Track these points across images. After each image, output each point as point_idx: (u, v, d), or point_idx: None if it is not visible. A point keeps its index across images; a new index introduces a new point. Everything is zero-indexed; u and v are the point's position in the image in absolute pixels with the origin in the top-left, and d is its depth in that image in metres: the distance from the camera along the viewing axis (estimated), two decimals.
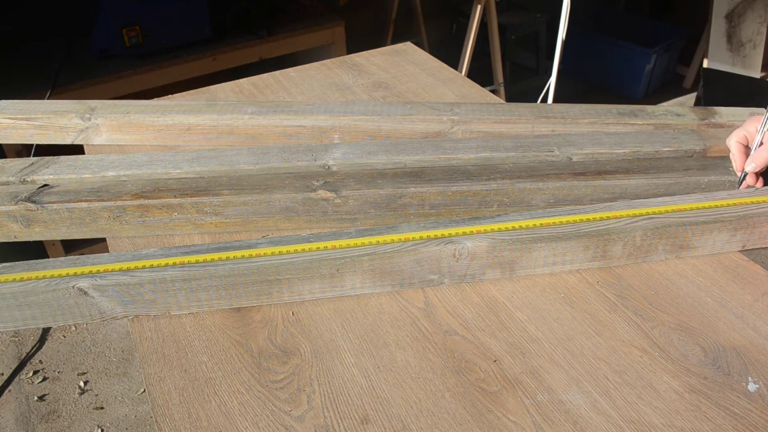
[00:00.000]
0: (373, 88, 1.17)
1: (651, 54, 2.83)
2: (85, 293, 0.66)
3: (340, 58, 1.29)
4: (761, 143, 0.78)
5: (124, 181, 0.83)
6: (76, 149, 0.98)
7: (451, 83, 1.18)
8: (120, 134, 0.98)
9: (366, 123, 0.95)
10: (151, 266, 0.67)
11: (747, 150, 0.80)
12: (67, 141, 0.99)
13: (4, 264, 0.69)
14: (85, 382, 1.71)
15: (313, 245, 0.69)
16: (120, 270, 0.67)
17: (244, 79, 1.22)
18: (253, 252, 0.69)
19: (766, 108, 0.78)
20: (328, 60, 1.29)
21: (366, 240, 0.70)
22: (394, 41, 2.23)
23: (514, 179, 0.80)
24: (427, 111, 0.96)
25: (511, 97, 2.67)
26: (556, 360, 0.63)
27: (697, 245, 0.74)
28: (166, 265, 0.67)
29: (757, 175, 0.79)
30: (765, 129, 0.77)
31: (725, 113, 0.97)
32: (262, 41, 1.99)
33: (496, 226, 0.71)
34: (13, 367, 1.75)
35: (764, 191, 0.77)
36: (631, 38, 2.89)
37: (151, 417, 0.65)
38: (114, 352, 1.80)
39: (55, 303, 0.66)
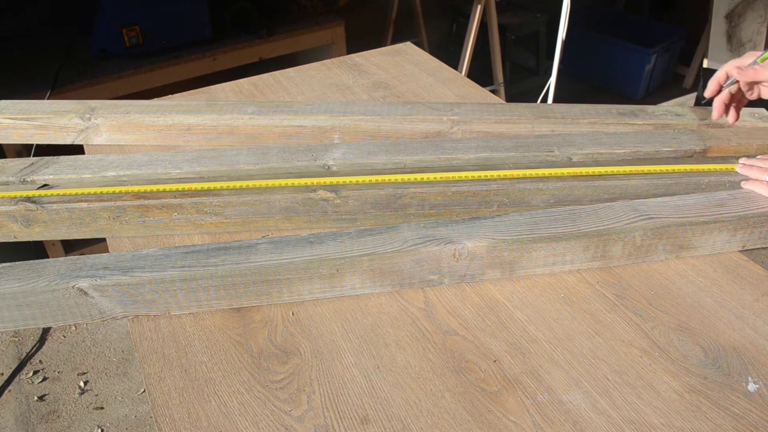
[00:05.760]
0: (373, 88, 1.17)
1: (651, 54, 2.83)
2: (85, 293, 0.66)
3: (340, 58, 1.29)
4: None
5: (124, 181, 0.83)
6: (76, 149, 0.99)
7: (451, 83, 1.18)
8: (120, 134, 0.98)
9: (366, 123, 0.95)
10: (151, 266, 0.67)
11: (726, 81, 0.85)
12: (67, 141, 0.99)
13: (4, 264, 0.69)
14: (85, 382, 1.71)
15: (313, 245, 0.69)
16: (120, 270, 0.67)
17: (244, 79, 1.22)
18: (253, 252, 0.69)
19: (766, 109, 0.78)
20: (328, 60, 1.29)
21: (366, 240, 0.70)
22: (394, 41, 2.23)
23: (514, 179, 0.80)
24: (427, 111, 0.96)
25: (511, 97, 2.67)
26: (556, 360, 0.63)
27: (697, 245, 0.74)
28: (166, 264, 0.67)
29: (735, 107, 0.86)
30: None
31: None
32: (262, 41, 1.99)
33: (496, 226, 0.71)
34: (13, 367, 1.75)
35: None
36: (631, 38, 2.89)
37: (151, 417, 0.65)
38: (114, 352, 1.80)
39: (55, 303, 0.66)
